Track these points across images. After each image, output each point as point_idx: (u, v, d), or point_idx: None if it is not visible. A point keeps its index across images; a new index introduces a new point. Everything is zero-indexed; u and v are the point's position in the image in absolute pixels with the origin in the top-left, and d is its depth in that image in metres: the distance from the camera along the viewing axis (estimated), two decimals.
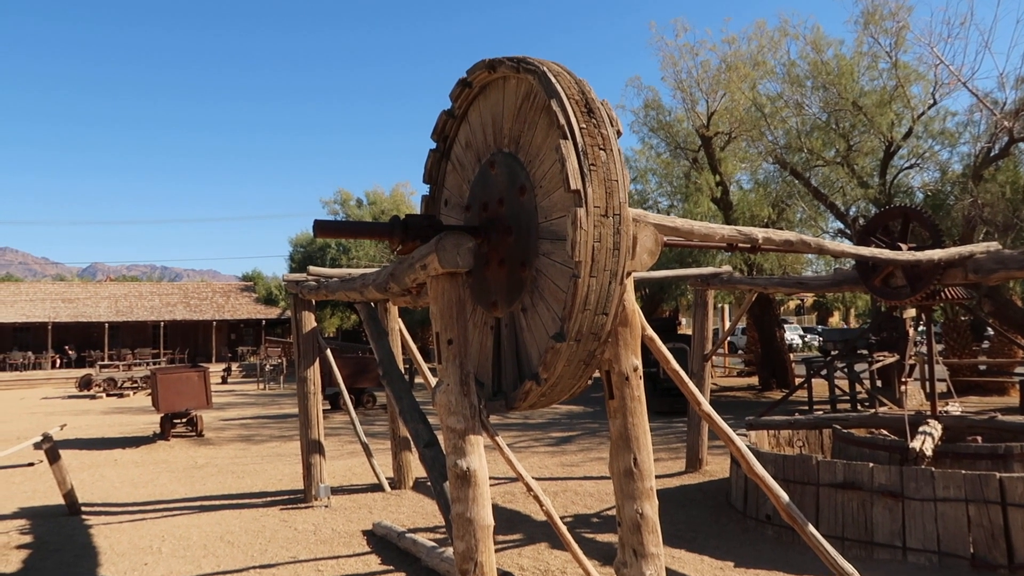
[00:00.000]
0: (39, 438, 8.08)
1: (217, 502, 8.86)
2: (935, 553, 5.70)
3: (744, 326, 29.29)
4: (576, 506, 8.16)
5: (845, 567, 5.35)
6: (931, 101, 16.11)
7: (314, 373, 8.97)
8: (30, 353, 35.25)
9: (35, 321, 35.71)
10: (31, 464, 8.33)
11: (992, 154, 14.94)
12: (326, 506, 8.45)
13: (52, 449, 8.10)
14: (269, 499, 8.95)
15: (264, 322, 42.19)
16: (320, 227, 4.20)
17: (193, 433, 14.58)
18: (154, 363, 32.35)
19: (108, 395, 25.24)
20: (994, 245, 6.93)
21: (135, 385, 26.06)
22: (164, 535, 7.47)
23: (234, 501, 8.89)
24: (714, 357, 26.20)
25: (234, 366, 34.49)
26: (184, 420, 14.54)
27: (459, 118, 4.88)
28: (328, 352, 9.53)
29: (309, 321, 8.95)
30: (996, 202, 14.11)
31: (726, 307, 31.45)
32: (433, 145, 5.06)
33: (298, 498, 8.86)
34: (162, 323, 38.86)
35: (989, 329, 24.95)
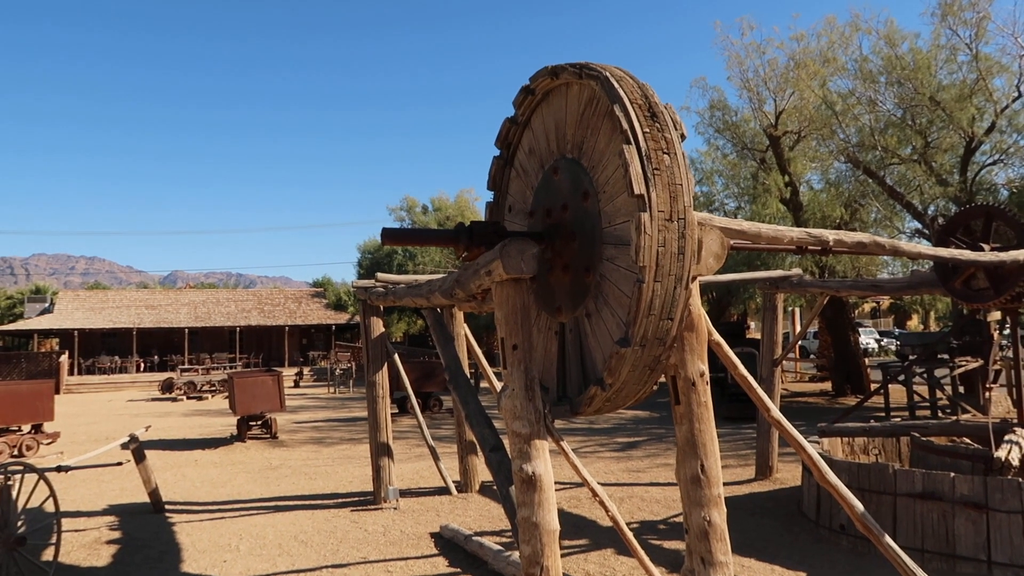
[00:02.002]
0: (126, 439, 8.48)
1: (291, 502, 9.12)
2: (1023, 568, 5.44)
3: (816, 330, 28.46)
4: (642, 512, 8.09)
5: None
6: (1016, 94, 15.44)
7: (382, 378, 9.15)
8: (116, 357, 37.00)
9: (121, 327, 37.46)
10: (119, 463, 8.77)
11: None
12: (395, 508, 8.61)
13: (138, 449, 8.49)
14: (340, 500, 9.16)
15: (334, 327, 43.17)
16: (388, 235, 4.30)
17: (268, 435, 15.02)
18: (230, 367, 33.47)
19: (188, 398, 26.26)
20: None
21: (213, 388, 27.02)
22: (242, 533, 7.74)
23: (307, 502, 9.14)
24: (785, 362, 25.56)
25: (305, 370, 35.44)
26: (259, 422, 15.01)
27: (522, 125, 4.92)
28: (396, 357, 9.70)
29: (377, 326, 9.14)
30: None
31: (796, 310, 30.65)
32: (497, 152, 5.12)
33: (368, 500, 9.04)
34: (238, 328, 40.19)
35: None
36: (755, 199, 18.59)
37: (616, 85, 3.78)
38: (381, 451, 8.97)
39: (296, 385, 30.58)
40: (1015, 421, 7.35)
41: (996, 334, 12.42)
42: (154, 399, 26.66)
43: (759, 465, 9.75)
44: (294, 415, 19.04)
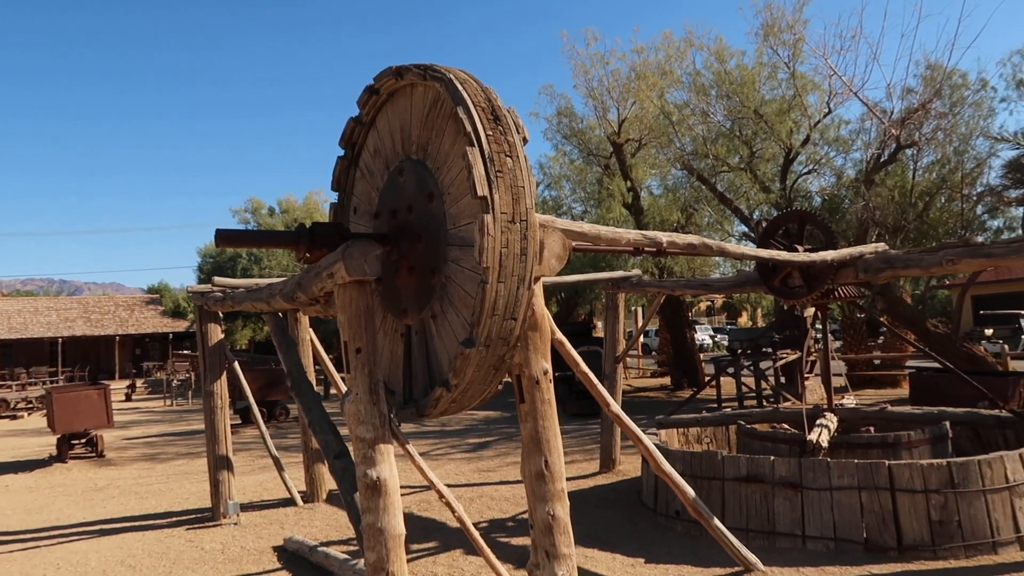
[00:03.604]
0: None
1: (118, 525, 8.45)
2: (832, 539, 5.99)
3: (657, 328, 30.05)
4: (492, 511, 8.19)
5: (748, 557, 5.58)
6: (826, 110, 16.96)
7: (221, 387, 8.69)
8: None
9: None
10: None
11: (882, 160, 15.85)
12: (235, 523, 8.19)
13: None
14: (175, 519, 8.60)
15: (171, 336, 40.61)
16: (223, 237, 4.08)
17: (93, 454, 13.87)
18: (51, 382, 30.60)
19: (0, 417, 23.73)
20: (881, 246, 7.35)
21: (30, 406, 24.60)
22: (59, 563, 7.07)
23: (137, 523, 8.50)
24: (629, 359, 26.80)
25: (139, 382, 32.96)
26: (83, 441, 13.83)
27: (367, 125, 4.85)
28: (236, 365, 9.25)
29: (215, 334, 8.67)
30: (886, 205, 14.99)
31: (639, 310, 32.22)
32: (341, 152, 5.01)
33: (206, 517, 8.55)
34: (60, 339, 36.86)
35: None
36: (600, 203, 19.35)
37: (460, 88, 3.80)
38: (220, 464, 8.51)
39: (128, 399, 28.40)
40: (825, 406, 8.10)
41: (811, 328, 13.60)
42: None
43: (603, 459, 10.14)
44: (124, 431, 17.69)
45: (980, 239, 6.86)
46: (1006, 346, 17.95)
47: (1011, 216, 17.05)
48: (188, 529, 8.10)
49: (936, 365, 10.12)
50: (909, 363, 19.59)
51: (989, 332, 26.71)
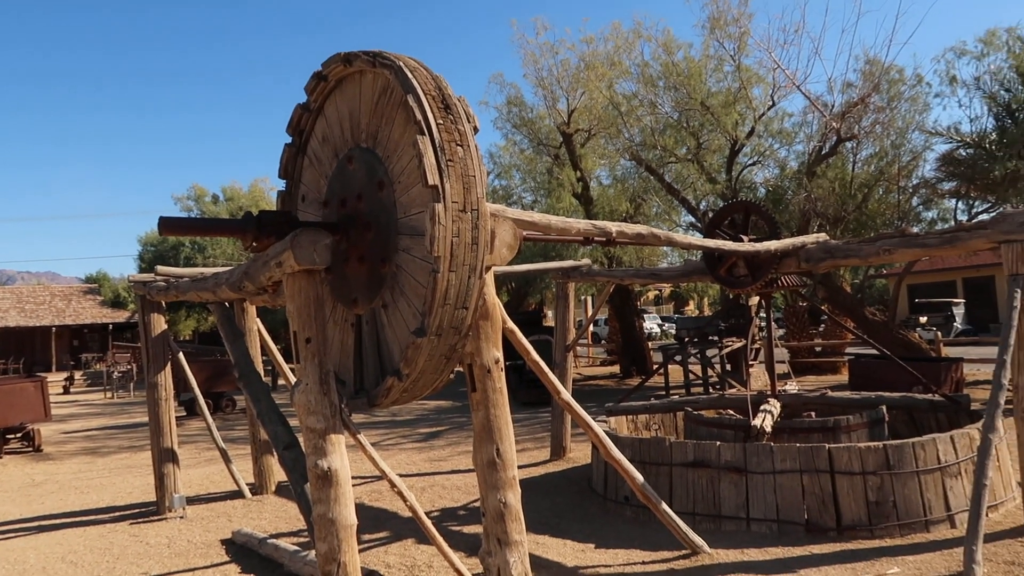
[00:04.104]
0: None
1: (58, 521, 8.21)
2: (775, 521, 6.17)
3: (607, 317, 30.38)
4: (443, 500, 8.20)
5: (695, 540, 5.72)
6: (770, 103, 17.29)
7: (165, 378, 8.50)
8: None
9: None
10: None
11: (823, 152, 16.25)
12: (181, 517, 8.03)
13: None
14: (118, 514, 8.39)
15: (111, 326, 39.47)
16: (166, 224, 4.00)
17: (30, 449, 13.43)
18: None
19: None
20: (822, 236, 7.57)
21: None
22: None
23: (78, 518, 8.27)
24: (579, 347, 27.05)
25: (77, 375, 31.97)
26: (19, 435, 13.38)
27: (315, 112, 4.79)
28: (180, 356, 9.05)
29: (158, 324, 8.46)
30: (827, 196, 15.39)
31: (589, 299, 32.52)
32: (289, 139, 4.94)
33: (150, 511, 8.36)
34: None
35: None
36: (550, 193, 19.43)
37: (410, 75, 3.78)
38: (165, 457, 8.33)
39: (66, 391, 27.53)
40: (769, 392, 8.32)
41: (756, 316, 13.90)
42: None
43: (554, 446, 10.24)
44: (63, 424, 17.15)
45: (915, 230, 7.10)
46: (939, 333, 18.66)
47: (944, 207, 17.69)
48: (132, 524, 7.92)
49: (874, 352, 10.48)
50: (848, 350, 20.21)
51: (923, 320, 27.75)
